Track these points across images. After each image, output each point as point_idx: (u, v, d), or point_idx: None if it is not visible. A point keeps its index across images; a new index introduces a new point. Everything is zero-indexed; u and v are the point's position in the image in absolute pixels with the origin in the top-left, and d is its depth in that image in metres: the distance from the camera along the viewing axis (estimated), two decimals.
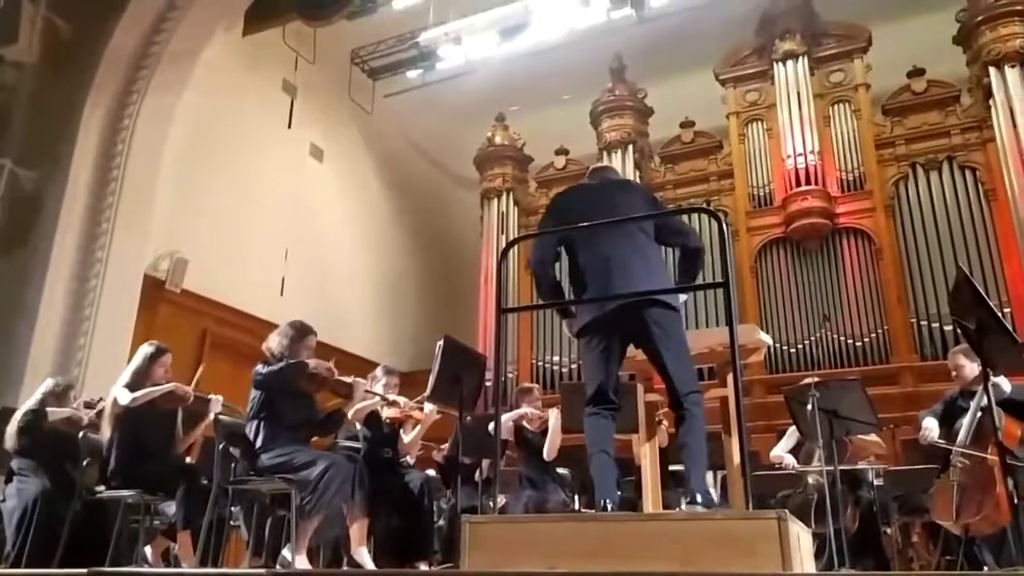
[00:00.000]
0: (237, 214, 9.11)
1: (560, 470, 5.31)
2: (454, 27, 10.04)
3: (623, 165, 10.52)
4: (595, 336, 2.95)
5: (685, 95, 10.49)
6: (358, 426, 4.59)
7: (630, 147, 10.64)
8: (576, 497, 5.49)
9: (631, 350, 3.03)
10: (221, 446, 3.96)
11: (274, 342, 4.02)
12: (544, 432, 5.09)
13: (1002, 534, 4.11)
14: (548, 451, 4.94)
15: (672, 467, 4.56)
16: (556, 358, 10.24)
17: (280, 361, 3.94)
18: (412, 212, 12.60)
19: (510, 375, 10.25)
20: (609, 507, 2.69)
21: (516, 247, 10.78)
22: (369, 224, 11.79)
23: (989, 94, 8.80)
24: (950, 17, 9.25)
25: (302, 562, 3.60)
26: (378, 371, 4.82)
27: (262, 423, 3.80)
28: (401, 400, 4.62)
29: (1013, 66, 8.66)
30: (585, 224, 3.02)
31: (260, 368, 3.90)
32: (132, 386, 4.18)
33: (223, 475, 3.91)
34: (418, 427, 4.63)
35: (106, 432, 4.21)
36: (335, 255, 10.86)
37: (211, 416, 4.30)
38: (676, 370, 2.81)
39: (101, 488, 4.19)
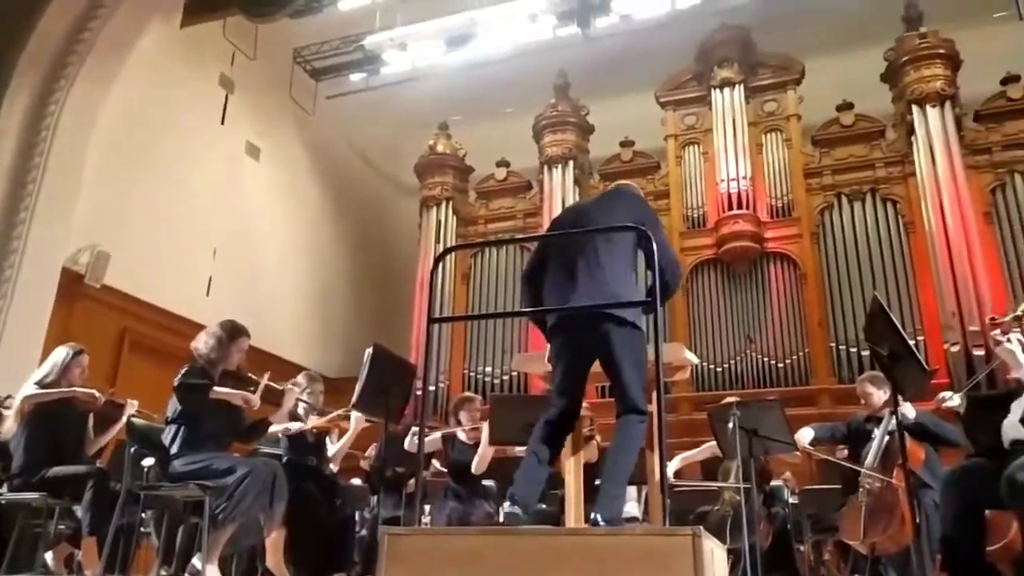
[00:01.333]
0: (165, 209, 8.81)
1: (486, 482, 5.29)
2: (400, 33, 9.99)
3: (563, 180, 10.64)
4: (556, 345, 2.94)
5: (626, 115, 10.68)
6: (280, 432, 4.48)
7: (571, 163, 10.76)
8: (500, 510, 5.47)
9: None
10: (132, 450, 3.80)
11: (202, 342, 3.89)
12: (476, 445, 5.06)
13: (906, 553, 4.28)
14: (477, 465, 4.91)
15: (599, 482, 4.59)
16: (488, 369, 10.23)
17: (207, 363, 3.82)
18: (350, 216, 12.44)
19: (441, 385, 10.20)
20: (516, 508, 2.64)
21: (452, 257, 10.79)
22: (304, 226, 11.58)
23: (912, 131, 9.25)
24: (879, 55, 9.70)
25: (213, 572, 3.48)
26: (300, 378, 4.69)
27: (181, 427, 3.67)
28: (331, 411, 4.53)
29: (934, 106, 9.13)
30: (537, 235, 3.02)
31: (179, 377, 3.75)
32: (44, 386, 3.99)
33: (133, 480, 3.76)
34: (345, 437, 4.55)
35: (11, 430, 4.00)
36: (267, 256, 10.62)
37: (124, 419, 4.13)
38: (626, 383, 2.78)
39: (2, 490, 3.98)
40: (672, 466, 5.47)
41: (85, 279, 7.83)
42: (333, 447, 4.62)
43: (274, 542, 3.88)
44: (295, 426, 4.39)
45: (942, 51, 9.32)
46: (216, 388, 3.71)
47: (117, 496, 3.80)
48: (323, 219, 12.00)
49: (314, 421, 4.42)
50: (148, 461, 3.87)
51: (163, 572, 4.20)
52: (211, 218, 9.53)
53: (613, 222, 2.99)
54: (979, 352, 7.78)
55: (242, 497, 3.48)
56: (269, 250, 10.70)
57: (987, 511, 3.27)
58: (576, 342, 2.88)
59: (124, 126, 8.30)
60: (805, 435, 4.73)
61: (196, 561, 3.62)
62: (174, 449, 3.64)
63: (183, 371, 3.78)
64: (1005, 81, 9.27)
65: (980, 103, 9.36)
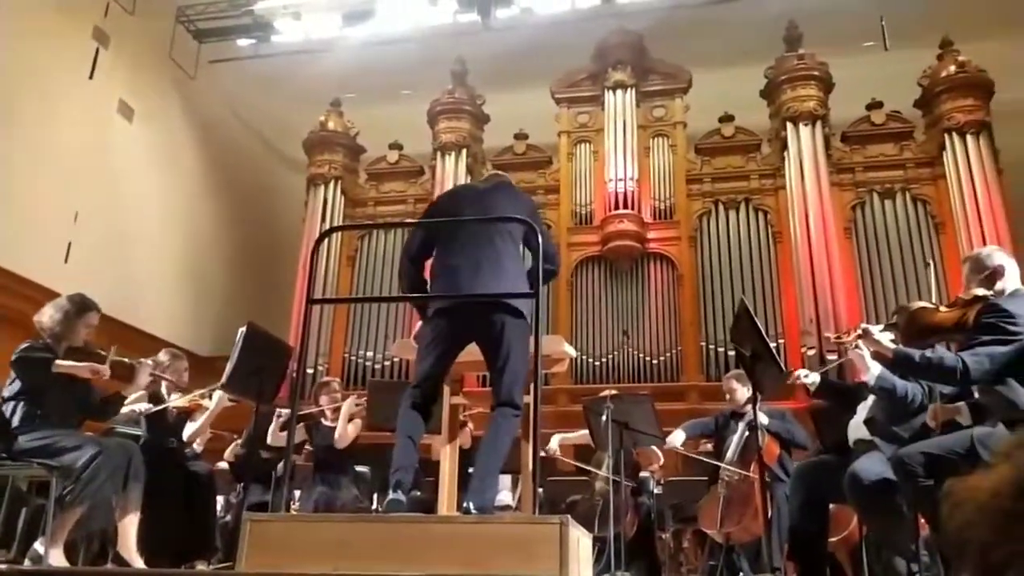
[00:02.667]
0: (20, 166, 8.09)
1: (359, 468, 5.22)
2: (295, 1, 9.62)
3: (456, 168, 10.60)
4: (434, 328, 2.91)
5: (521, 108, 10.75)
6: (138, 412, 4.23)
7: (464, 151, 10.74)
8: (375, 496, 5.42)
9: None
10: None
11: (46, 316, 3.60)
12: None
13: (758, 542, 4.56)
14: (339, 438, 4.83)
15: (472, 470, 4.62)
16: (370, 353, 10.08)
17: (52, 338, 3.54)
18: (230, 188, 11.88)
19: (321, 368, 9.95)
20: (399, 493, 2.63)
21: (338, 238, 10.54)
22: (180, 195, 10.96)
23: (785, 146, 9.83)
24: (760, 73, 10.23)
25: (57, 557, 3.24)
26: (162, 355, 4.43)
27: (21, 404, 3.38)
28: (195, 390, 4.31)
29: (806, 124, 9.74)
30: (441, 220, 3.00)
31: (18, 351, 3.45)
32: None
33: None
34: (204, 416, 4.34)
35: None
36: (137, 225, 9.97)
37: None
38: (508, 375, 2.79)
39: None
40: (552, 442, 5.58)
41: None
42: (192, 426, 4.40)
43: (127, 526, 3.65)
44: (143, 406, 4.14)
45: (816, 73, 9.95)
46: (59, 361, 3.44)
47: None
48: (200, 188, 11.40)
49: (176, 401, 4.19)
50: None
51: (0, 557, 3.87)
52: (74, 179, 8.82)
53: (507, 213, 3.01)
54: (833, 357, 8.37)
55: (91, 478, 3.26)
56: (140, 218, 10.05)
57: (831, 505, 3.53)
58: (463, 330, 2.87)
59: None
60: (676, 437, 4.93)
61: (38, 545, 3.36)
62: (15, 423, 3.35)
63: (23, 346, 3.49)
64: (870, 107, 10.00)
65: (847, 125, 10.06)
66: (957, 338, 2.84)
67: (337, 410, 5.03)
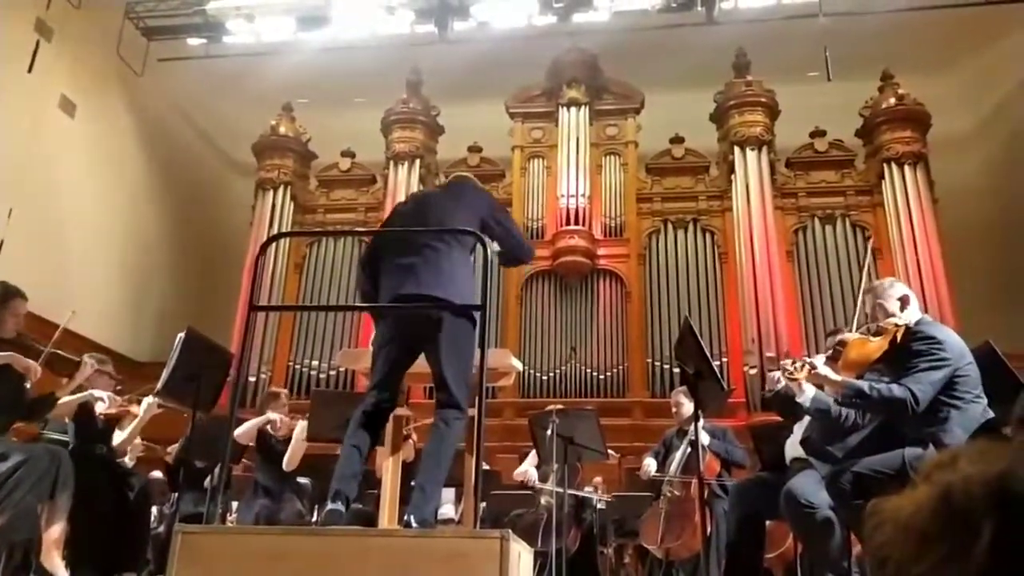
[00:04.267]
0: None
1: (301, 480, 5.11)
2: (248, 3, 9.49)
3: (408, 178, 10.56)
4: (382, 336, 2.89)
5: (476, 120, 10.79)
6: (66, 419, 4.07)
7: (417, 161, 10.71)
8: (316, 508, 5.32)
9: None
10: None
11: None
12: (287, 440, 4.88)
13: (697, 559, 4.61)
14: (288, 461, 4.73)
15: (415, 482, 4.58)
16: (315, 363, 9.93)
17: None
18: (176, 190, 11.60)
19: (263, 376, 9.76)
20: (338, 503, 2.58)
21: (285, 244, 10.38)
22: (121, 195, 10.64)
23: (732, 169, 10.07)
24: (711, 96, 10.47)
25: None
26: (87, 358, 4.27)
27: None
28: (107, 395, 4.16)
29: (753, 149, 10.00)
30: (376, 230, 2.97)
31: None
32: None
33: None
34: (133, 423, 4.21)
35: None
36: (74, 223, 9.64)
37: None
38: (447, 377, 2.75)
39: None
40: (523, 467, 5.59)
41: None
42: (122, 434, 4.25)
43: (52, 537, 3.50)
44: (80, 396, 3.98)
45: (763, 100, 10.24)
46: None
47: None
48: (143, 188, 11.10)
49: (101, 407, 4.05)
50: None
51: None
52: (8, 175, 8.50)
53: (459, 212, 3.00)
54: (774, 373, 8.56)
55: (15, 486, 3.13)
56: (79, 217, 9.73)
57: (768, 522, 3.60)
58: (407, 332, 2.85)
59: None
60: (649, 465, 4.97)
61: None
62: None
63: None
64: (813, 134, 10.33)
65: (792, 151, 10.36)
66: (881, 368, 2.94)
67: (285, 421, 4.92)
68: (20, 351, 3.52)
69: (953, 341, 2.86)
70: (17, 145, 8.69)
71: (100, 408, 4.06)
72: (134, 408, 4.17)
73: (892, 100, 10.02)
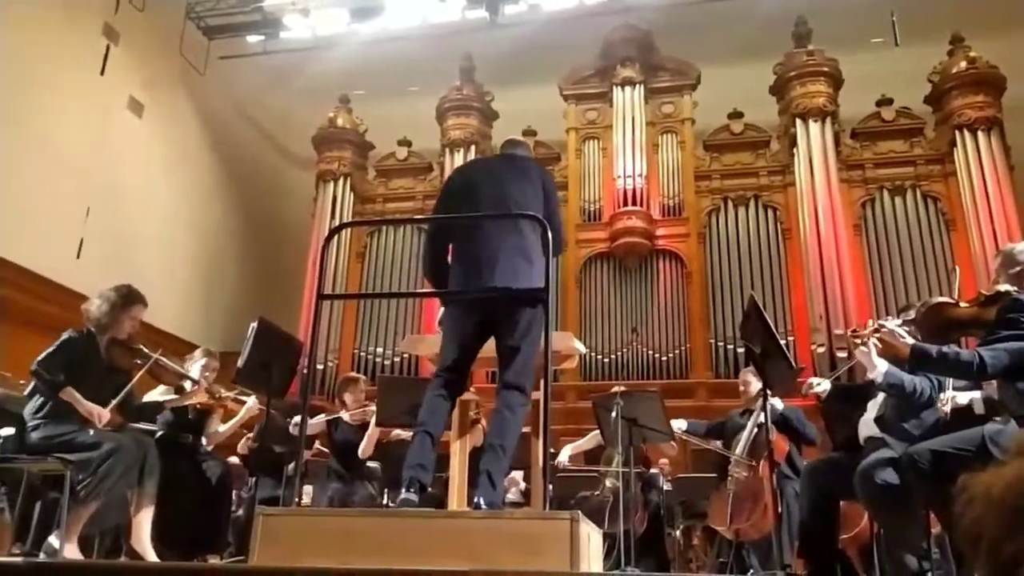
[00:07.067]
0: (33, 162, 8.14)
1: (370, 464, 5.24)
2: None
3: None
4: (453, 321, 2.91)
5: (529, 104, 10.75)
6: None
7: (472, 147, 10.75)
8: (385, 492, 5.45)
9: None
10: None
11: (94, 306, 3.65)
12: (361, 427, 5.00)
13: (767, 539, 4.55)
14: (364, 448, 4.86)
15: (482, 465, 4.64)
16: (379, 349, 10.12)
17: (97, 328, 3.60)
18: (239, 184, 11.93)
19: (331, 364, 10.00)
20: (412, 492, 2.61)
21: (347, 235, 10.57)
22: (189, 190, 11.00)
23: (794, 143, 9.80)
24: (769, 69, 10.19)
25: (71, 551, 3.28)
26: (196, 353, 4.52)
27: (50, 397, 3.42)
28: (222, 392, 4.38)
29: (816, 121, 9.70)
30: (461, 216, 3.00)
31: (43, 355, 3.47)
32: None
33: None
34: (232, 421, 4.41)
35: None
36: (146, 220, 10.01)
37: None
38: (515, 362, 2.78)
39: None
40: (563, 455, 5.59)
41: None
42: (215, 427, 4.45)
43: (141, 521, 3.68)
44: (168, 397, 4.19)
45: (826, 69, 9.91)
46: (68, 390, 3.44)
47: None
48: (209, 184, 11.45)
49: (202, 398, 4.23)
50: (6, 431, 3.58)
51: (16, 550, 3.92)
52: (85, 175, 8.87)
53: (527, 194, 3.01)
54: (842, 354, 8.35)
55: (107, 473, 3.29)
56: (149, 213, 10.09)
57: (841, 502, 3.53)
58: (480, 319, 2.87)
59: None
60: (678, 424, 4.95)
61: (53, 539, 3.39)
62: (36, 419, 3.39)
63: (58, 343, 3.51)
64: (880, 103, 9.96)
65: (857, 122, 10.02)
66: (976, 333, 2.82)
67: (360, 407, 5.05)
68: (126, 354, 3.71)
69: None
70: (91, 147, 9.06)
71: (194, 400, 4.24)
72: (232, 405, 4.35)
73: (963, 64, 9.58)
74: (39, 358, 3.46)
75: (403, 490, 2.66)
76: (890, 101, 9.93)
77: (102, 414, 3.46)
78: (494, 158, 3.35)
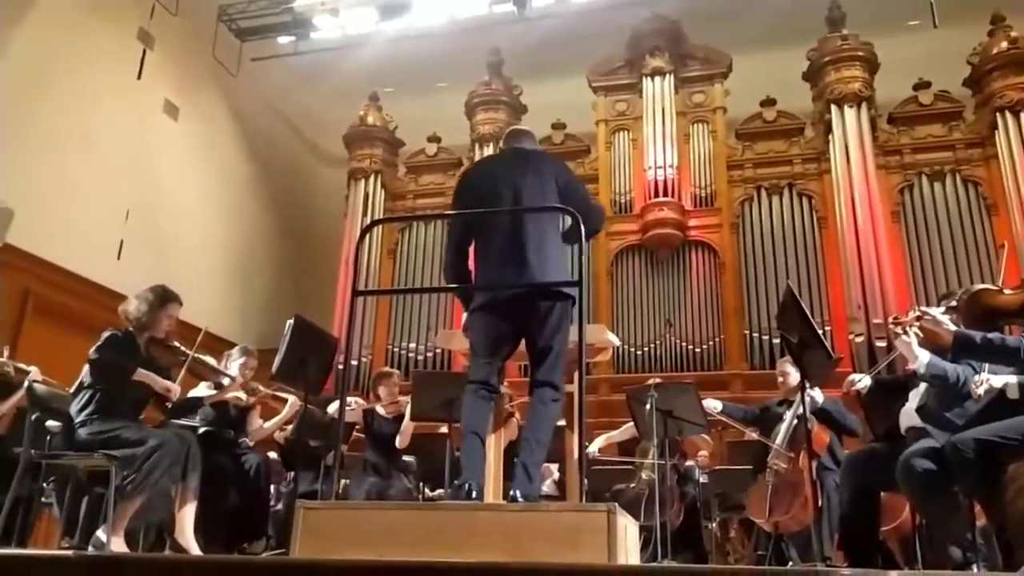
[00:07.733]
0: (73, 165, 8.33)
1: (406, 458, 5.29)
2: None
3: None
4: (485, 318, 2.90)
5: (558, 97, 10.70)
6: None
7: (501, 142, 10.71)
8: (420, 485, 5.49)
9: None
10: (34, 417, 3.62)
11: (132, 306, 3.76)
12: (396, 418, 5.06)
13: (807, 533, 4.50)
14: (400, 440, 4.91)
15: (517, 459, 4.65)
16: (412, 345, 10.18)
17: (136, 328, 3.69)
18: (272, 183, 12.08)
19: (364, 359, 10.10)
20: (472, 492, 2.61)
21: (379, 231, 10.65)
22: (224, 191, 11.17)
23: (829, 129, 9.62)
24: (802, 54, 10.02)
25: (118, 544, 3.36)
26: (235, 351, 4.62)
27: (97, 394, 3.50)
28: (261, 388, 4.47)
29: (851, 106, 9.51)
30: (481, 211, 2.99)
31: (96, 349, 3.56)
32: None
33: (34, 448, 3.58)
34: (276, 419, 4.52)
35: None
36: (183, 221, 10.19)
37: (24, 386, 3.93)
38: (548, 357, 2.78)
39: None
40: (594, 446, 5.59)
41: None
42: (257, 424, 4.55)
43: (185, 515, 3.77)
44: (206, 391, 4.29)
45: (861, 54, 9.71)
46: (141, 371, 3.56)
47: (16, 465, 3.62)
48: (243, 184, 11.61)
49: (240, 393, 4.32)
50: (53, 426, 3.69)
51: (65, 544, 4.03)
52: (123, 177, 9.06)
53: (543, 187, 2.98)
54: (881, 344, 8.20)
55: (152, 469, 3.37)
56: (187, 214, 10.28)
57: (882, 493, 3.47)
58: (510, 316, 2.86)
59: (31, 75, 7.82)
60: (713, 404, 4.91)
61: (101, 533, 3.48)
62: (83, 416, 3.48)
63: (103, 339, 3.60)
64: (917, 87, 9.73)
65: (893, 106, 9.80)
66: (1020, 322, 2.76)
67: (394, 401, 5.12)
68: (165, 352, 3.81)
69: None
70: (129, 150, 9.24)
71: (233, 396, 4.32)
72: (272, 402, 4.44)
73: (1004, 44, 9.30)
74: (94, 353, 3.55)
75: (461, 492, 2.63)
76: (928, 84, 9.69)
77: (175, 389, 3.58)
78: (499, 156, 3.33)
